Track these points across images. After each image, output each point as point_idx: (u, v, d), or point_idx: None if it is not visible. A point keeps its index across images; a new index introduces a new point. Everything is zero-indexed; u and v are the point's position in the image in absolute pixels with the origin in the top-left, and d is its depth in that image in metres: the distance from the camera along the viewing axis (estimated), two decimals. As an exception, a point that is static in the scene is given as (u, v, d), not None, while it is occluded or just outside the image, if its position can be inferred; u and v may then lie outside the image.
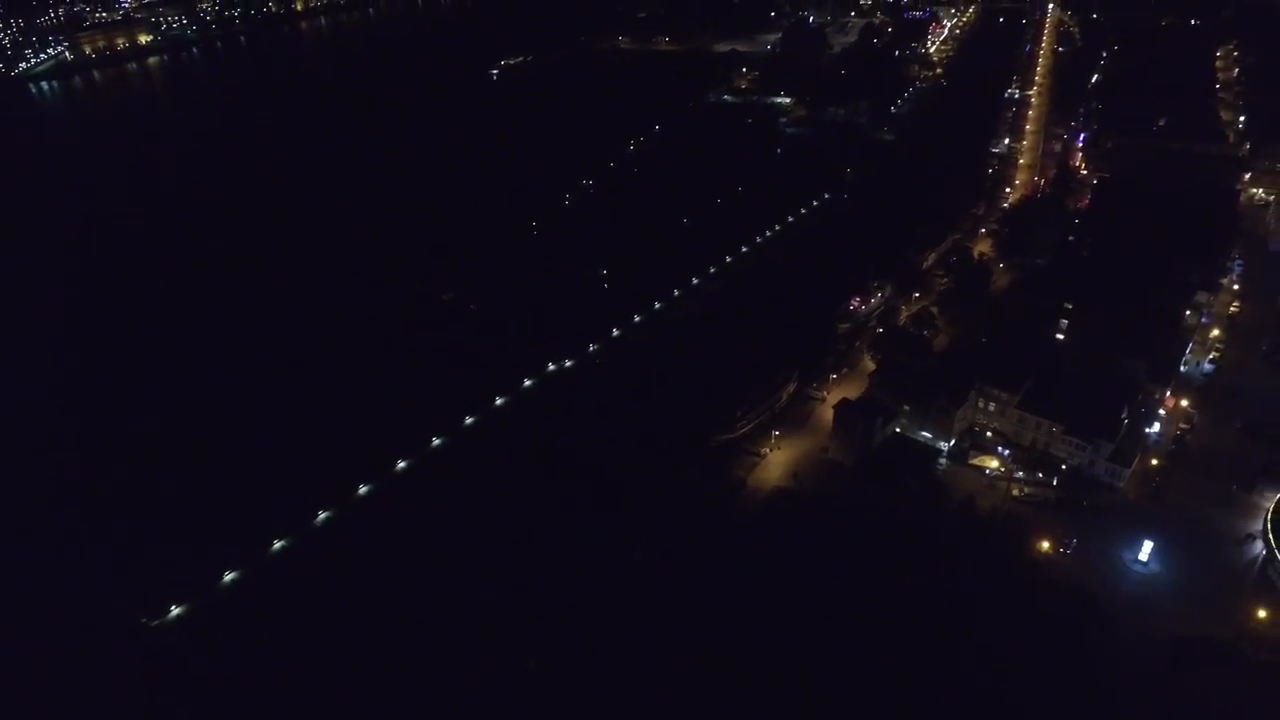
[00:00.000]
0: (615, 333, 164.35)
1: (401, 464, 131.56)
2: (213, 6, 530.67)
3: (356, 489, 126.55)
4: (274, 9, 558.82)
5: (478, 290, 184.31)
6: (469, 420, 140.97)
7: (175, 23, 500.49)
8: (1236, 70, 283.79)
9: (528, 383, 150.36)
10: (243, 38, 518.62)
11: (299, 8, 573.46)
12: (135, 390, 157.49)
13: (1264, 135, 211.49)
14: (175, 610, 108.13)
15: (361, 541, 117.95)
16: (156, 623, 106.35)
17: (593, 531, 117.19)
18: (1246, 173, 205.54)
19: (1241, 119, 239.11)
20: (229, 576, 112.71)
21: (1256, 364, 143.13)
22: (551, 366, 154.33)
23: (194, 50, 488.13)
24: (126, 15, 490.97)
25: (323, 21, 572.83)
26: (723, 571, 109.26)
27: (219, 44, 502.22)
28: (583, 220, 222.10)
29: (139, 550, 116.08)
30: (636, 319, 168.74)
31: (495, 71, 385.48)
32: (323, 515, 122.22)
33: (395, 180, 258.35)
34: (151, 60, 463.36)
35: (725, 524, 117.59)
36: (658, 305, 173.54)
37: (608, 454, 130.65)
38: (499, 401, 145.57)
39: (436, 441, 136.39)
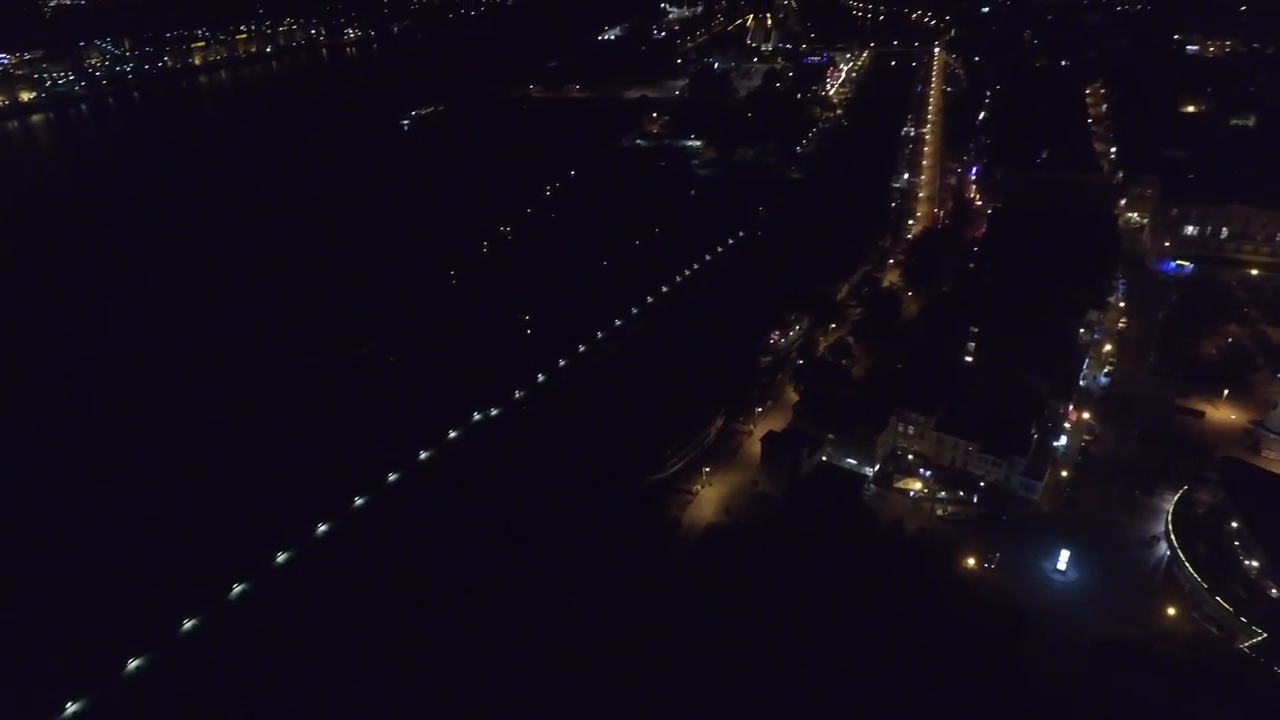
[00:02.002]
0: (540, 378, 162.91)
1: (323, 527, 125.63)
2: (102, 62, 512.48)
3: (275, 556, 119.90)
4: (170, 64, 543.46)
5: (397, 342, 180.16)
6: (393, 477, 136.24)
7: (61, 79, 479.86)
8: (1105, 106, 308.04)
9: (453, 434, 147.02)
10: (136, 93, 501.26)
11: (197, 61, 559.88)
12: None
13: (1134, 165, 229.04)
14: (71, 708, 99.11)
15: (281, 615, 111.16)
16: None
17: (529, 581, 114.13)
18: (1122, 199, 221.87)
19: (1113, 150, 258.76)
20: (133, 664, 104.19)
21: (1146, 375, 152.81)
22: (477, 416, 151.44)
23: (82, 107, 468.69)
24: (5, 72, 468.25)
25: (223, 75, 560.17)
26: (662, 612, 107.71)
27: (111, 100, 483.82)
28: (502, 267, 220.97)
29: (29, 640, 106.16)
30: (561, 363, 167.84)
31: (406, 122, 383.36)
32: (238, 589, 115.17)
33: (305, 233, 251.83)
34: (35, 118, 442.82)
35: (662, 564, 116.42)
36: (581, 348, 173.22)
37: (540, 502, 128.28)
38: (423, 455, 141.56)
39: (359, 501, 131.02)
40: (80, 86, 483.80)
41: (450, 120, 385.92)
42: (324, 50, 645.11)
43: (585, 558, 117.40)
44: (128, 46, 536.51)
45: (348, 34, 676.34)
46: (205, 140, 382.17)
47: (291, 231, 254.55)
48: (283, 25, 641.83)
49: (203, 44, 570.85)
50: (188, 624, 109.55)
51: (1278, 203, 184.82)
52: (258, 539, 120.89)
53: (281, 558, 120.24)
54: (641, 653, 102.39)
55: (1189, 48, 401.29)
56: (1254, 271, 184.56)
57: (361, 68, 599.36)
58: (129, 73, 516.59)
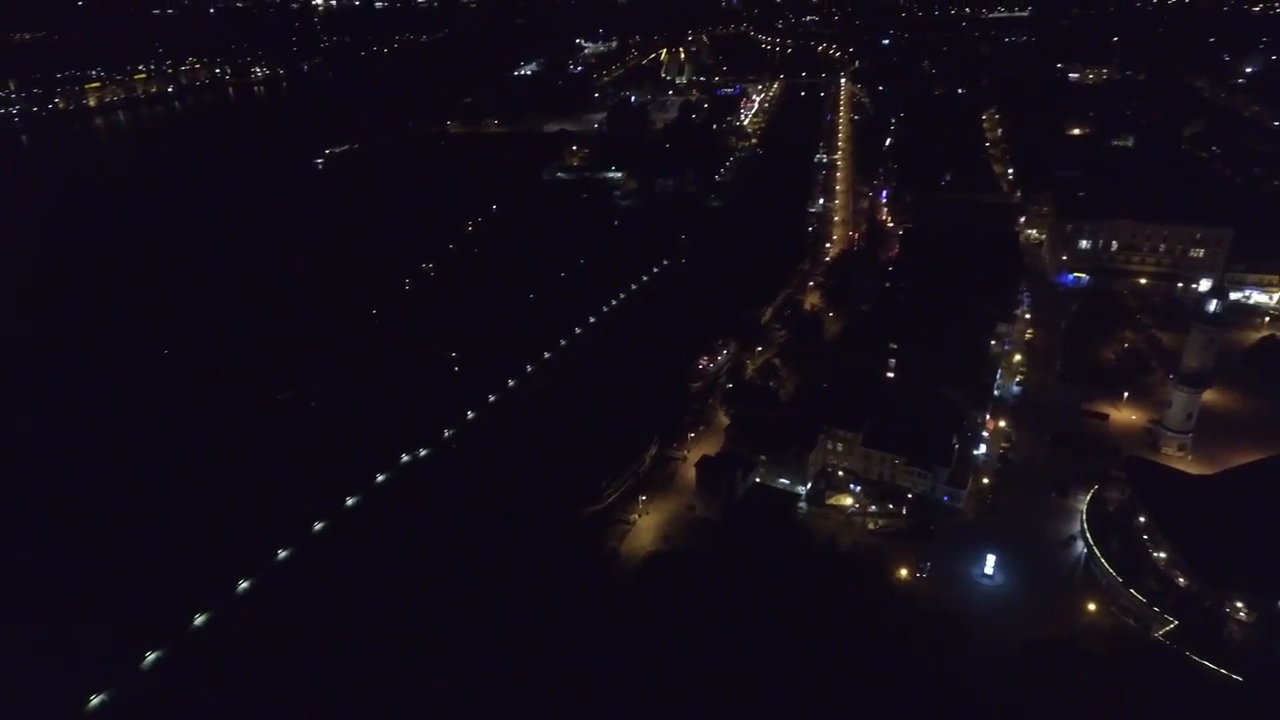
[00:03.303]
0: (470, 415, 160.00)
1: (244, 584, 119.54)
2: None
3: (192, 620, 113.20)
4: (62, 105, 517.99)
5: (318, 386, 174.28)
6: (318, 526, 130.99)
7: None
8: (1000, 130, 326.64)
9: (380, 478, 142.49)
10: (24, 137, 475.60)
11: (92, 103, 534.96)
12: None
13: (1029, 184, 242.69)
14: (151, 656, 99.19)
15: (200, 681, 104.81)
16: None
17: (467, 625, 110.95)
18: (1021, 217, 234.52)
19: (1010, 171, 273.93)
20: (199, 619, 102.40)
21: (1054, 382, 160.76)
22: (406, 458, 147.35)
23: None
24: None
25: (121, 117, 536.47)
26: (606, 645, 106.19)
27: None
28: (426, 304, 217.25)
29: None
30: (491, 399, 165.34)
31: (320, 160, 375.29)
32: (151, 656, 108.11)
33: (218, 276, 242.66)
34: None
35: (604, 595, 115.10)
36: (511, 383, 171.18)
37: (475, 542, 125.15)
38: (350, 501, 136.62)
39: (282, 554, 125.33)
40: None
41: (366, 158, 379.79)
42: (230, 89, 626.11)
43: (525, 596, 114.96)
44: (13, 88, 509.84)
45: (255, 73, 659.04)
46: (104, 183, 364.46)
47: (202, 275, 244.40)
48: (185, 65, 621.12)
49: (98, 84, 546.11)
50: (95, 699, 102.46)
51: (1159, 216, 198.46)
52: (174, 605, 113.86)
53: (199, 620, 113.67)
54: (588, 687, 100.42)
55: (1071, 75, 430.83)
56: (1143, 280, 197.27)
57: (271, 107, 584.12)
58: (15, 115, 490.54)
